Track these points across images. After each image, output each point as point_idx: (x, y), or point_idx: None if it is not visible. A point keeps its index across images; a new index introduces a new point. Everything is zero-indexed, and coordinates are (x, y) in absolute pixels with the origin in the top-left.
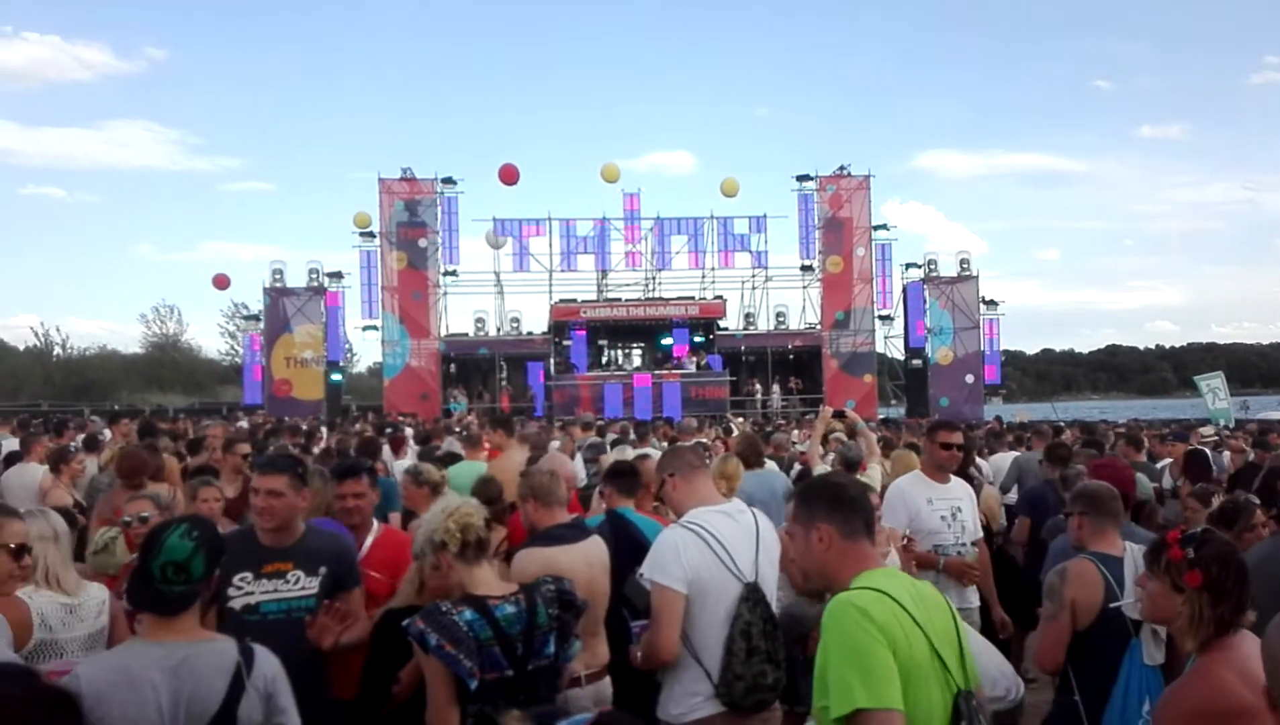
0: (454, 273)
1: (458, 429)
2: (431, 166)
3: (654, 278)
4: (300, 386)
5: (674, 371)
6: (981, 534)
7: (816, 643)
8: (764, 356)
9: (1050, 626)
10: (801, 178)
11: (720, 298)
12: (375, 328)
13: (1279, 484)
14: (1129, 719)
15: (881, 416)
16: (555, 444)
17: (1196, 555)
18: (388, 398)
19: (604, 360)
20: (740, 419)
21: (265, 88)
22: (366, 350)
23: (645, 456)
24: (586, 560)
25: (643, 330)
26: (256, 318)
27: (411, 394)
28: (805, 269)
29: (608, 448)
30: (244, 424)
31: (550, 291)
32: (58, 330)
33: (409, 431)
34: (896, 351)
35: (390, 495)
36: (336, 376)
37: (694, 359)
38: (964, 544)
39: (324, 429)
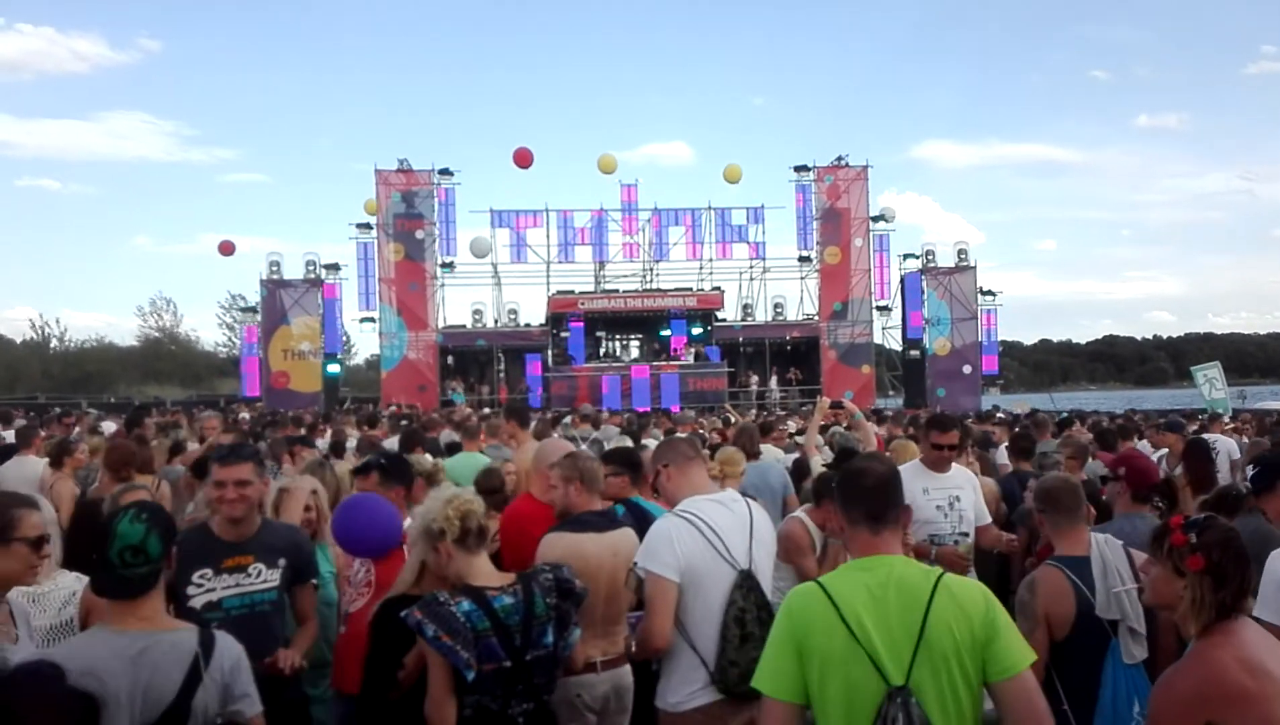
0: (451, 265)
1: (456, 420)
2: (428, 158)
3: (652, 269)
4: (298, 378)
5: (672, 363)
6: (989, 520)
7: None
8: (762, 347)
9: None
10: (799, 168)
11: (718, 289)
12: (372, 320)
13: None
14: (1120, 722)
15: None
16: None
17: (1199, 540)
18: (385, 389)
19: (602, 352)
20: (736, 409)
21: (261, 79)
22: (364, 342)
23: (644, 448)
24: (614, 550)
25: (640, 321)
26: (254, 310)
27: (409, 386)
28: (803, 260)
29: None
30: (245, 416)
31: (548, 283)
32: (55, 322)
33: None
34: (894, 342)
35: None
36: (334, 368)
37: (692, 350)
38: (962, 533)
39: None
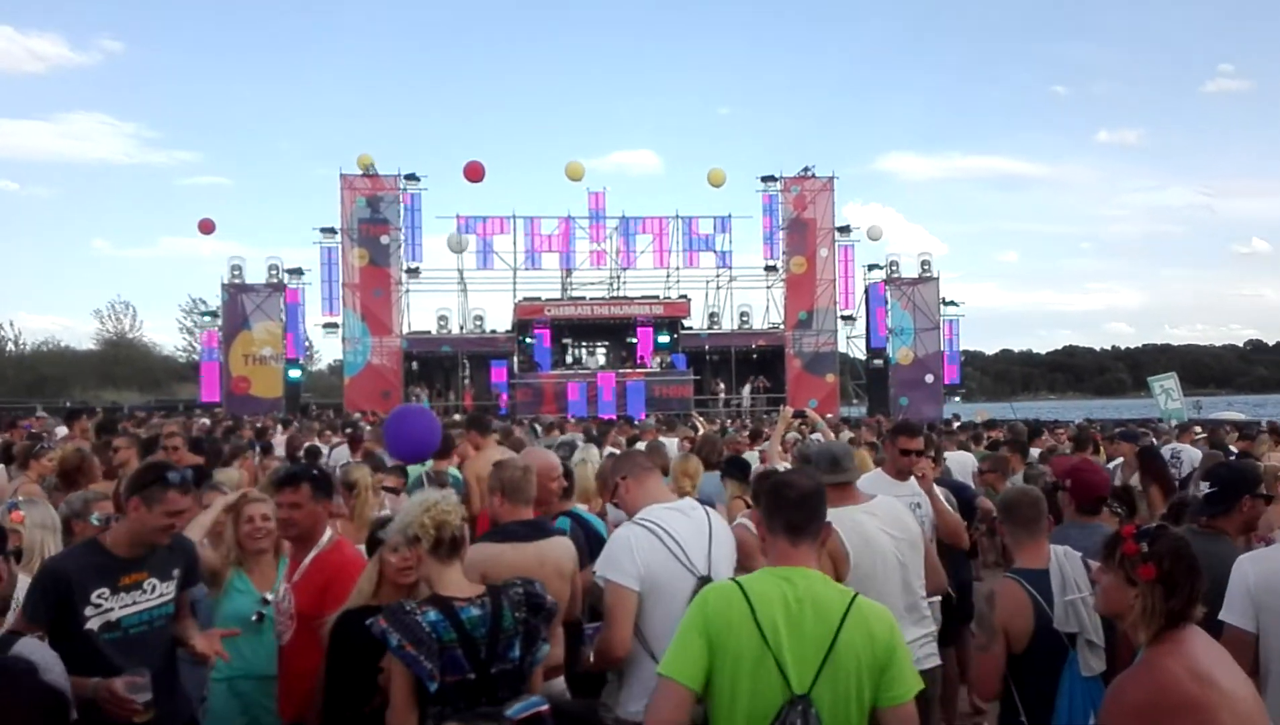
0: (416, 271)
1: None
2: (394, 163)
3: (619, 277)
4: (259, 384)
5: (638, 370)
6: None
7: None
8: (728, 356)
9: (984, 657)
10: (766, 179)
11: (684, 297)
12: (336, 325)
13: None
14: None
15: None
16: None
17: (1150, 549)
18: (348, 395)
19: (568, 359)
20: (704, 418)
21: (224, 81)
22: (327, 348)
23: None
24: (540, 559)
25: (607, 329)
26: (214, 314)
27: (373, 392)
28: (769, 269)
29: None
30: (205, 421)
31: (514, 290)
32: (10, 325)
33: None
34: (858, 351)
35: None
36: (295, 374)
37: (658, 358)
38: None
39: (279, 427)
